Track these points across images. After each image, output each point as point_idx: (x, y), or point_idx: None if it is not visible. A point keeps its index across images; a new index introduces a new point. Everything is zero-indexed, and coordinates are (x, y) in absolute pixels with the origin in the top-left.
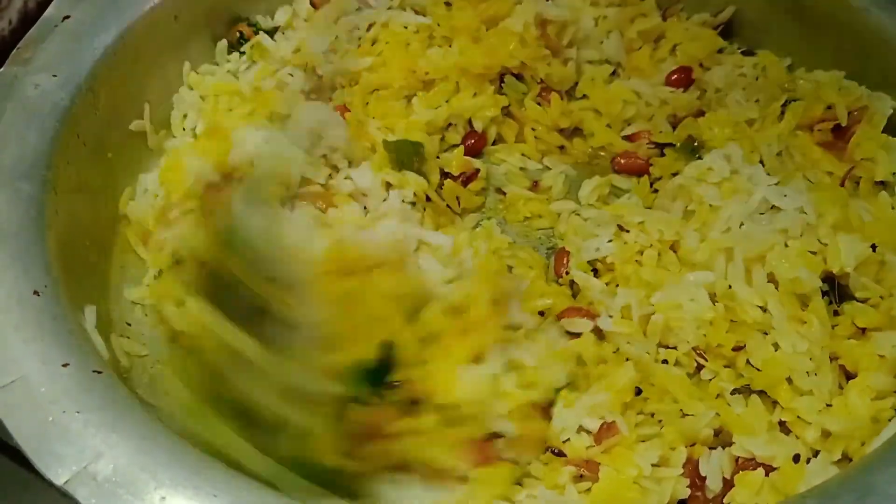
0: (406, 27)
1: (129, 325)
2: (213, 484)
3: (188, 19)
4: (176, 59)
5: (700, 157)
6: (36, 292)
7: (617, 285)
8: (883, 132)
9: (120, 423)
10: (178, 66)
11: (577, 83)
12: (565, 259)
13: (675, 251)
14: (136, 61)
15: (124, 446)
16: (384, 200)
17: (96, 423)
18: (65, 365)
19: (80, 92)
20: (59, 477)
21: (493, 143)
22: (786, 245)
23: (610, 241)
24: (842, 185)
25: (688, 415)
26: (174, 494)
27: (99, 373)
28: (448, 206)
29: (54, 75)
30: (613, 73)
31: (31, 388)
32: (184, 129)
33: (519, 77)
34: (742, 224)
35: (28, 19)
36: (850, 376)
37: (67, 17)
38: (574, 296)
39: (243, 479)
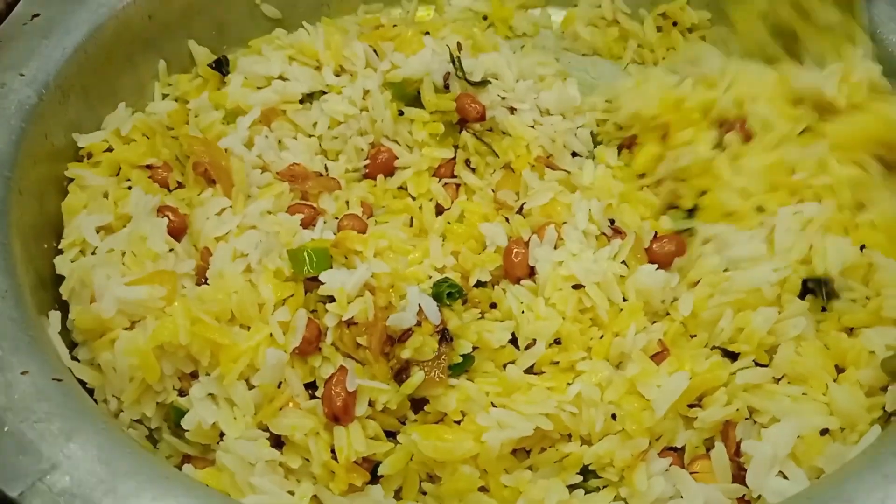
0: None
1: None
2: (174, 495)
3: (163, 18)
4: (150, 59)
5: None
6: None
7: None
8: None
9: (78, 433)
10: (152, 66)
11: None
12: None
13: None
14: (108, 61)
15: (82, 456)
16: None
17: (54, 432)
18: (24, 373)
19: (48, 90)
20: (13, 489)
21: None
22: None
23: None
24: None
25: None
26: None
27: (59, 380)
28: None
29: (21, 74)
30: None
31: None
32: None
33: None
34: None
35: None
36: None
37: (37, 15)
38: None
39: (204, 489)
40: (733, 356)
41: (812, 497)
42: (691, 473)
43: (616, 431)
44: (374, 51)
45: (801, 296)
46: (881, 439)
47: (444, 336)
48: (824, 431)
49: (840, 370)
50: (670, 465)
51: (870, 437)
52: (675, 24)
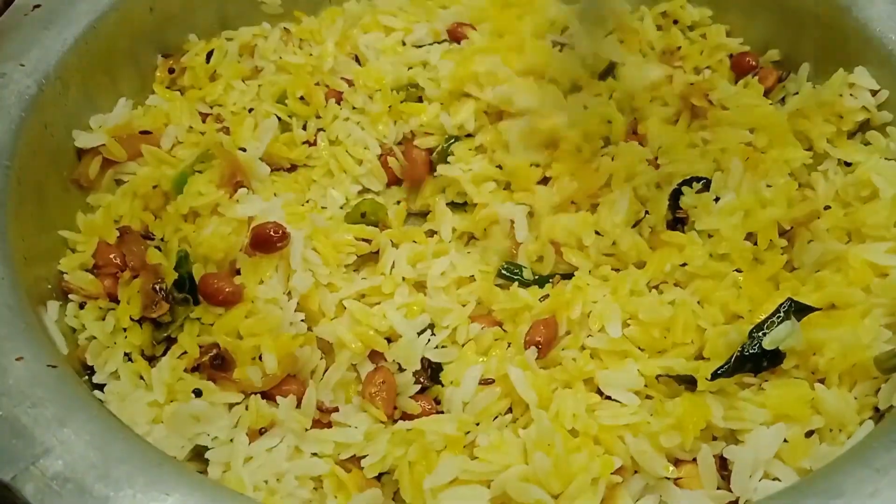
0: None
1: None
2: (165, 482)
3: (164, 11)
4: (151, 52)
5: None
6: None
7: None
8: None
9: (72, 419)
10: (153, 59)
11: None
12: None
13: None
14: (108, 53)
15: (75, 442)
16: None
17: (48, 417)
18: (18, 358)
19: (48, 81)
20: (6, 473)
21: None
22: None
23: None
24: None
25: None
26: (124, 492)
27: (54, 367)
28: None
29: (21, 64)
30: None
31: None
32: None
33: None
34: None
35: None
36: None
37: (38, 5)
38: None
39: (196, 477)
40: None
41: (801, 490)
42: (676, 480)
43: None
44: None
45: None
46: (872, 434)
47: None
48: (810, 433)
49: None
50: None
51: (861, 432)
52: (675, 22)
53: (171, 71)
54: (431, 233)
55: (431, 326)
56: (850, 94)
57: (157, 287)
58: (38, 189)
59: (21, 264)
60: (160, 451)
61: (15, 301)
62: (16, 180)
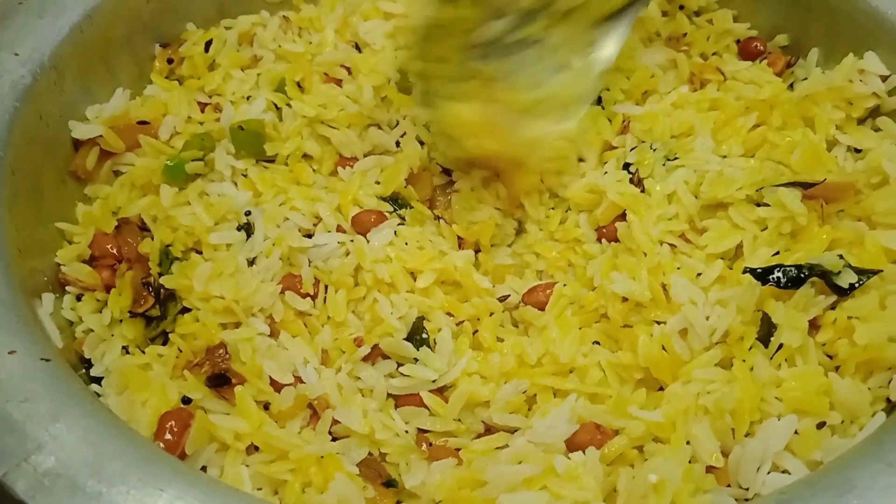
0: None
1: None
2: (160, 478)
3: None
4: (148, 41)
5: None
6: None
7: None
8: None
9: (65, 413)
10: (150, 48)
11: None
12: None
13: None
14: (104, 41)
15: (68, 437)
16: None
17: (40, 413)
18: (11, 352)
19: (43, 71)
20: None
21: None
22: None
23: None
24: None
25: None
26: (117, 488)
27: (47, 361)
28: None
29: (16, 53)
30: None
31: None
32: None
33: None
34: None
35: None
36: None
37: None
38: None
39: (191, 472)
40: None
41: (813, 484)
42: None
43: None
44: None
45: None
46: (884, 427)
47: None
48: (821, 425)
49: None
50: None
51: (873, 424)
52: (681, 7)
53: (170, 61)
54: None
55: None
56: (860, 80)
57: (145, 281)
58: (34, 180)
59: (16, 257)
60: (155, 446)
61: (8, 294)
62: (9, 171)
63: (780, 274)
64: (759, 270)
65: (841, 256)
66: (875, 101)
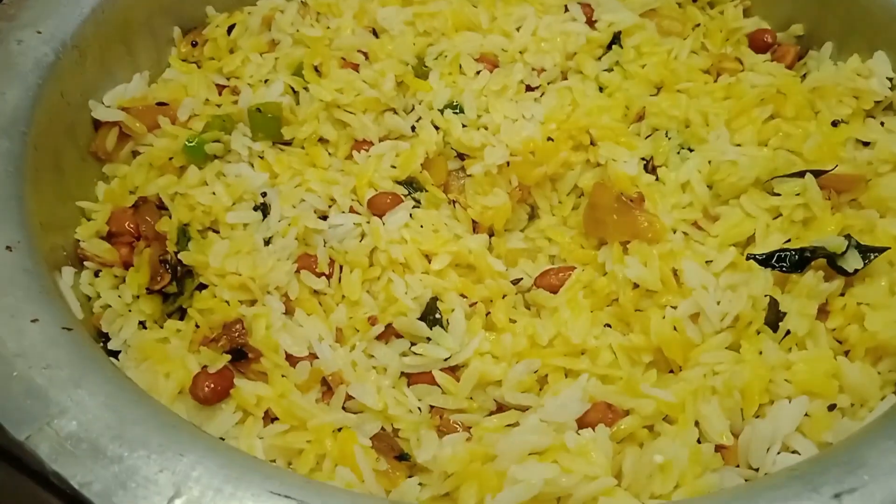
0: None
1: None
2: (180, 443)
3: None
4: (168, 24)
5: None
6: (9, 247)
7: None
8: None
9: (87, 379)
10: (170, 31)
11: None
12: None
13: None
14: (124, 23)
15: (90, 402)
16: None
17: (63, 378)
18: (34, 320)
19: (65, 50)
20: (20, 432)
21: None
22: None
23: None
24: None
25: None
26: (138, 453)
27: (69, 329)
28: None
29: (38, 31)
30: None
31: None
32: None
33: None
34: None
35: None
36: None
37: None
38: None
39: (211, 439)
40: None
41: (822, 460)
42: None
43: None
44: None
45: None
46: (895, 407)
47: None
48: (832, 407)
49: None
50: None
51: (883, 408)
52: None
53: (195, 44)
54: None
55: None
56: (867, 79)
57: (162, 259)
58: (55, 157)
59: (38, 230)
60: (175, 413)
61: (32, 265)
62: (32, 147)
63: (782, 258)
64: (761, 256)
65: (848, 236)
66: (882, 96)
